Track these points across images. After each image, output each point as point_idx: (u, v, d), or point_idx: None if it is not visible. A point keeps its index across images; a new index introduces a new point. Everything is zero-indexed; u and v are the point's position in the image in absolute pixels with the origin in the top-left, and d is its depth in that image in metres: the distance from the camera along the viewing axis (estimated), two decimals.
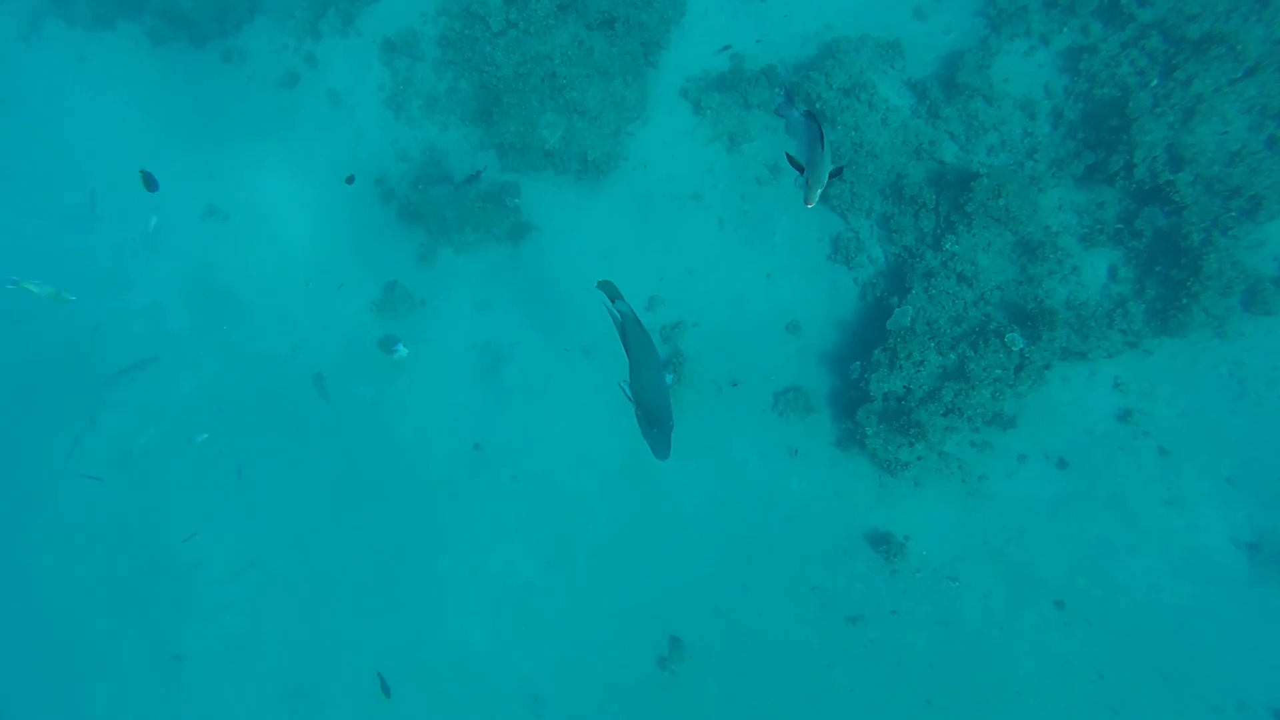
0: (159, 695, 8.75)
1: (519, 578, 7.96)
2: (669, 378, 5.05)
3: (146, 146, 9.93)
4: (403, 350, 8.44)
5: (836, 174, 4.79)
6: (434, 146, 9.33)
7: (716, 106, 8.82)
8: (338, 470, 8.76)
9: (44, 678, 9.10)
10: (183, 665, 8.78)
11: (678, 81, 8.94)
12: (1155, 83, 6.71)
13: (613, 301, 5.02)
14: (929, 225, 7.81)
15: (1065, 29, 7.35)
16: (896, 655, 7.06)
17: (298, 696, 8.40)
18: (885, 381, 7.47)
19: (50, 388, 9.87)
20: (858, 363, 7.70)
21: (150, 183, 6.91)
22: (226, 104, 10.10)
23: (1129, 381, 6.66)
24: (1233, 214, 6.61)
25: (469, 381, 8.45)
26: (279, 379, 9.16)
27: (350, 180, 8.11)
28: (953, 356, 7.43)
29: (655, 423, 4.71)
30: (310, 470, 8.79)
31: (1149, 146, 6.64)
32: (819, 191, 4.56)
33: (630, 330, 4.92)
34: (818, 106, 8.24)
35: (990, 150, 7.52)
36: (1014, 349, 7.10)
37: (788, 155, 4.89)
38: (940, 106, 7.78)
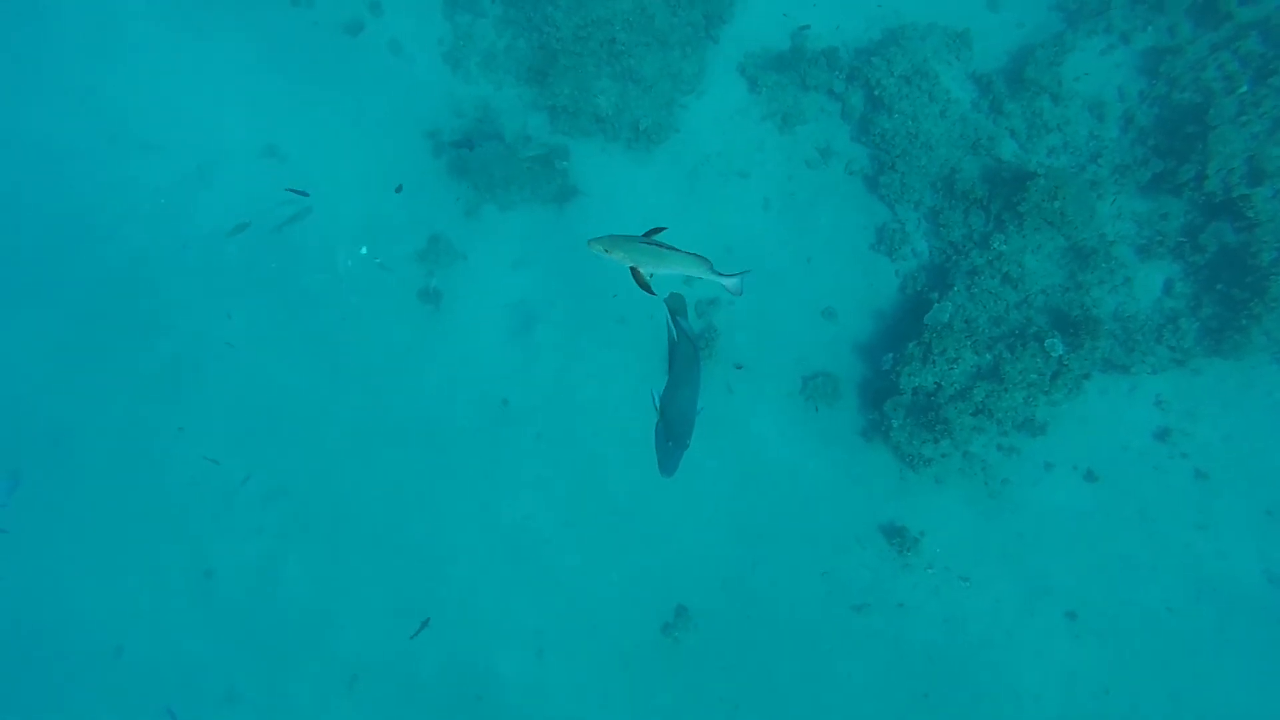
0: (191, 605, 8.76)
1: (534, 532, 7.76)
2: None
3: (214, 80, 9.67)
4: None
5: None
6: (488, 104, 8.95)
7: (773, 85, 8.31)
8: (368, 412, 8.59)
9: (90, 579, 9.17)
10: (213, 581, 8.76)
11: (736, 57, 8.44)
12: (1245, 89, 6.11)
13: (674, 316, 4.61)
14: (978, 223, 7.29)
15: (1150, 27, 6.74)
16: (898, 647, 6.77)
17: (312, 622, 8.34)
18: (916, 376, 7.05)
19: (112, 308, 9.79)
20: (890, 354, 7.28)
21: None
22: (292, 46, 9.78)
23: (1171, 400, 6.18)
24: None
25: (502, 337, 8.20)
26: (321, 318, 8.96)
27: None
28: (988, 357, 6.97)
29: (674, 440, 4.40)
30: (342, 409, 8.63)
31: (1226, 157, 6.06)
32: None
33: (682, 348, 4.58)
34: (876, 94, 7.69)
35: (1051, 151, 6.96)
36: (1053, 355, 6.62)
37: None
38: (1004, 102, 7.22)
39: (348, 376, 8.72)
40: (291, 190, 8.20)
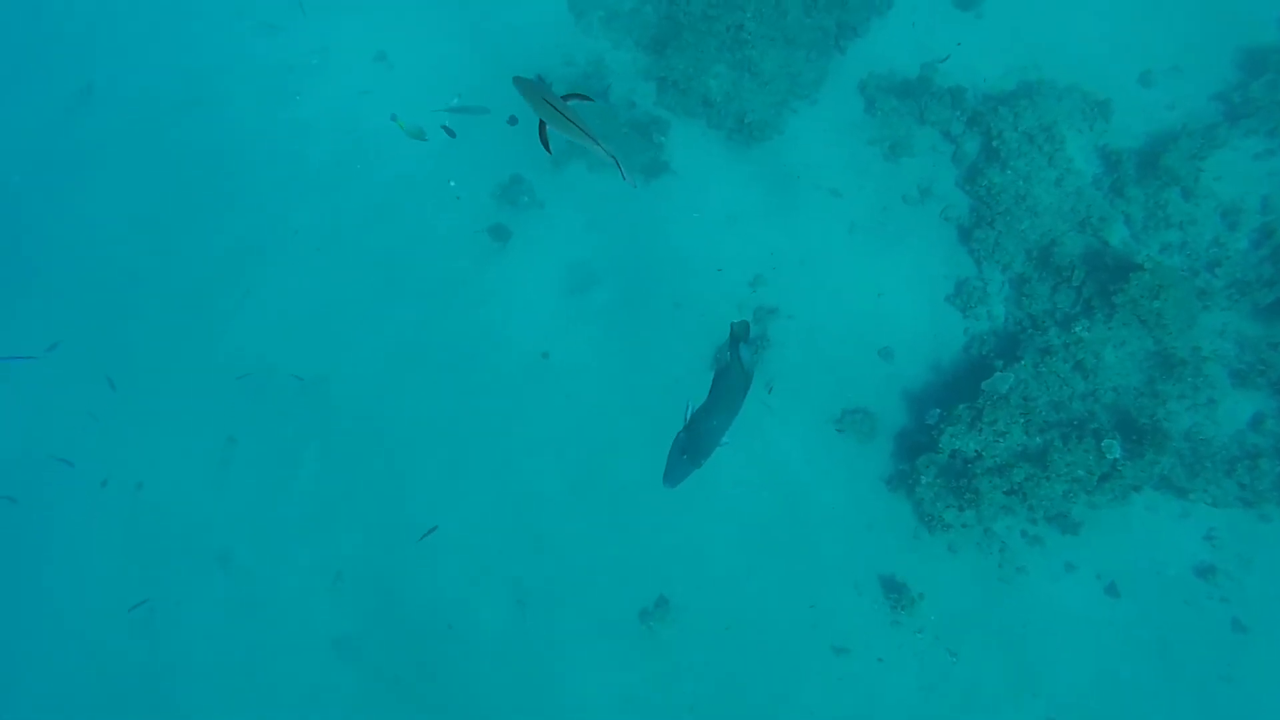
0: (209, 465, 8.85)
1: (541, 489, 7.60)
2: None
3: None
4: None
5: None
6: (601, 60, 8.60)
7: (889, 111, 7.78)
8: (414, 330, 8.47)
9: (126, 420, 9.32)
10: (234, 448, 8.82)
11: (859, 73, 7.92)
12: None
13: (735, 343, 4.39)
14: (1065, 302, 6.75)
15: None
16: (869, 698, 6.44)
17: (315, 511, 8.34)
18: (959, 439, 6.60)
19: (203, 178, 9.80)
20: (938, 410, 6.83)
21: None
22: None
23: (1226, 540, 5.64)
24: None
25: (558, 292, 7.96)
26: (387, 231, 8.82)
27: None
28: (1038, 440, 6.48)
29: (692, 457, 4.25)
30: (390, 321, 8.53)
31: None
32: None
33: (733, 376, 4.36)
34: (994, 144, 7.12)
35: (1166, 248, 6.35)
36: (1108, 456, 6.11)
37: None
38: (1128, 185, 6.60)
39: (401, 291, 8.60)
40: (445, 127, 7.80)
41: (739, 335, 4.40)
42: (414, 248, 8.58)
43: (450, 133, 7.70)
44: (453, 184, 8.71)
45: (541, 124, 3.58)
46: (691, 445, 4.26)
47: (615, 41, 8.78)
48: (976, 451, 6.63)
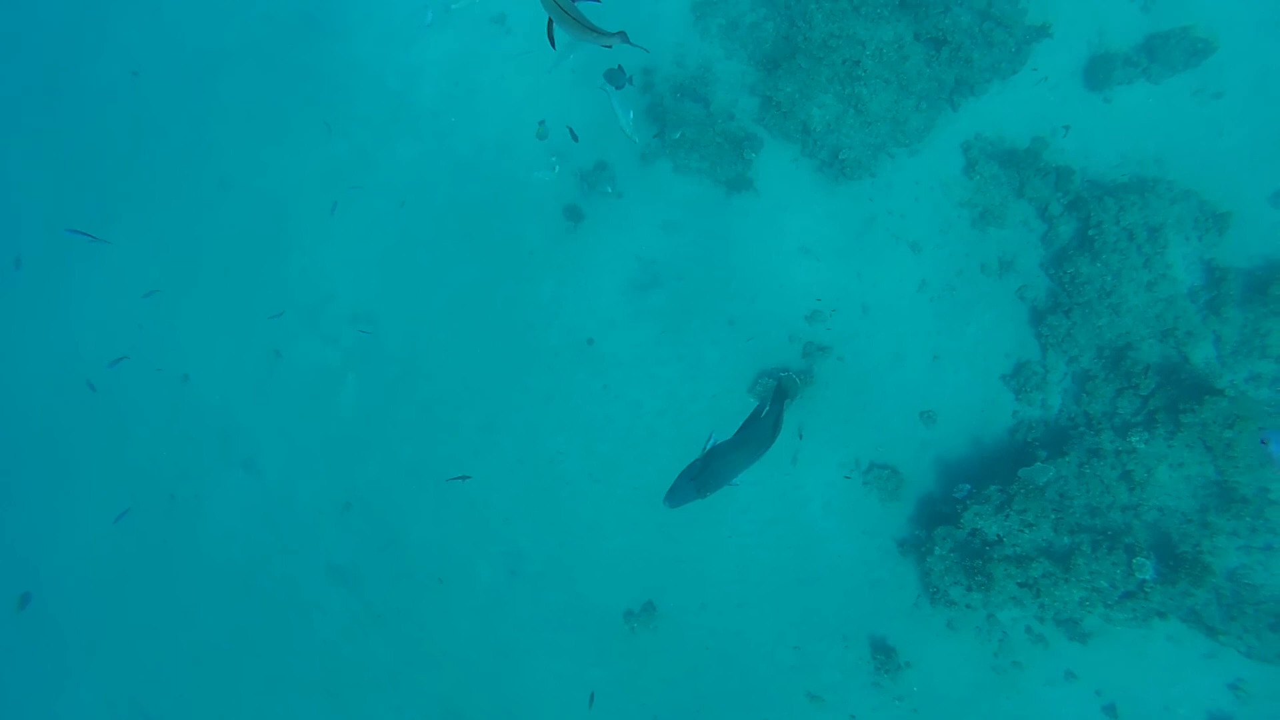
0: (256, 374, 9.06)
1: (561, 470, 7.58)
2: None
3: None
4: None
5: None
6: (710, 67, 8.41)
7: (988, 177, 7.41)
8: (472, 288, 8.49)
9: (190, 325, 9.59)
10: (279, 362, 9.00)
11: (966, 132, 7.56)
12: None
13: (780, 397, 4.41)
14: (1127, 408, 6.34)
15: None
16: None
17: (343, 441, 8.47)
18: (983, 519, 6.29)
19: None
20: (968, 485, 6.53)
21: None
22: None
23: (1255, 693, 5.23)
24: None
25: (619, 284, 7.88)
26: (470, 189, 8.84)
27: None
28: (1066, 540, 6.13)
29: (699, 486, 4.28)
30: (450, 273, 8.57)
31: None
32: None
33: (764, 426, 4.39)
34: (1090, 233, 6.71)
35: (1254, 379, 5.90)
36: (1137, 574, 5.73)
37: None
38: (1227, 304, 6.14)
39: (470, 249, 8.63)
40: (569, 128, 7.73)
41: (786, 391, 4.36)
42: (491, 210, 8.58)
43: (574, 136, 7.63)
44: (549, 151, 8.57)
45: (550, 22, 3.61)
46: (702, 476, 4.31)
47: (729, 51, 8.58)
48: (998, 536, 6.30)
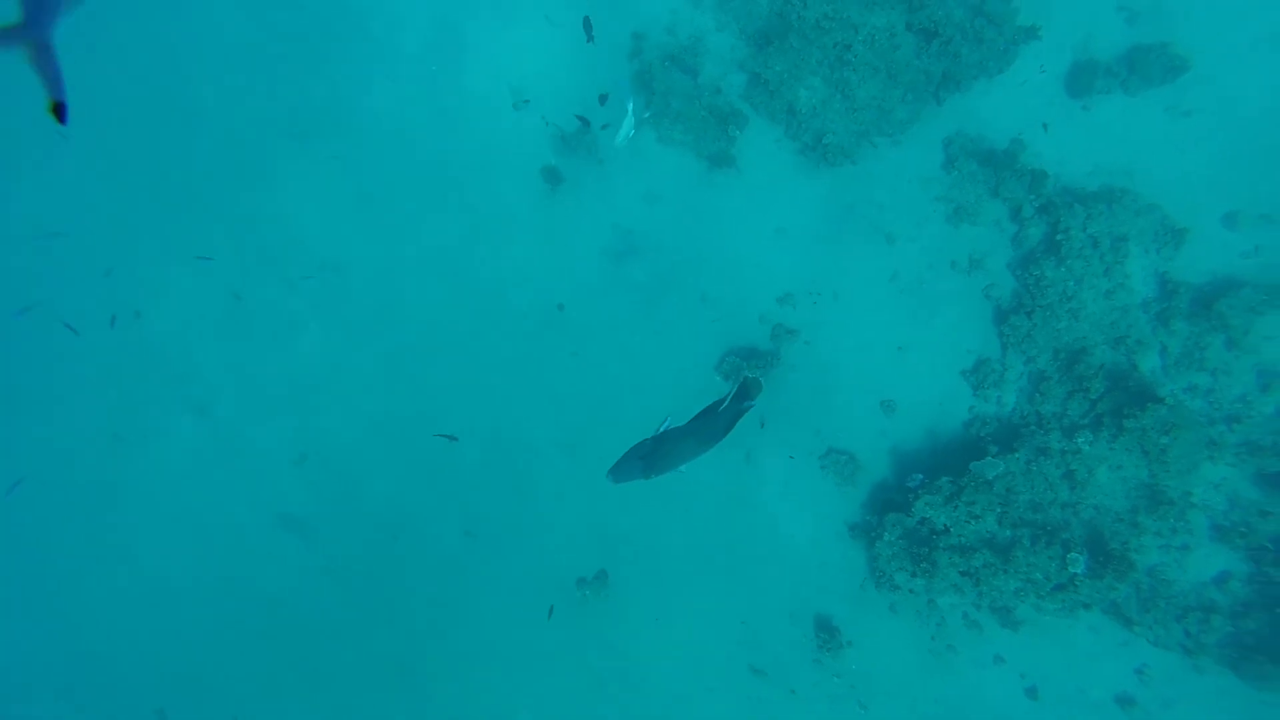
0: (218, 315, 8.51)
1: (528, 438, 7.42)
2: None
3: None
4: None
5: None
6: (700, 38, 8.10)
7: (966, 174, 7.36)
8: (446, 237, 8.11)
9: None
10: (239, 305, 8.48)
11: (949, 128, 7.48)
12: None
13: (740, 396, 4.38)
14: (1076, 411, 6.46)
15: None
16: None
17: (304, 389, 8.09)
18: (932, 510, 6.39)
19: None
20: (920, 475, 6.61)
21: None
22: None
23: (1156, 678, 5.49)
24: None
25: (595, 251, 7.65)
26: (450, 141, 8.37)
27: (588, 26, 6.91)
28: (1008, 533, 6.27)
29: (646, 466, 4.28)
30: (427, 223, 8.16)
31: None
32: None
33: (720, 422, 4.35)
34: (1057, 238, 6.74)
35: (1191, 389, 6.06)
36: (1070, 569, 5.91)
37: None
38: (1175, 317, 6.27)
39: (444, 203, 8.23)
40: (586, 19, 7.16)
41: (747, 390, 4.27)
42: (470, 165, 8.18)
43: (589, 30, 6.93)
44: (541, 115, 8.14)
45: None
46: (650, 457, 4.25)
47: (721, 24, 8.26)
48: (945, 526, 6.41)
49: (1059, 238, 6.86)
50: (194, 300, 8.68)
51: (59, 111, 2.51)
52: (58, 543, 8.60)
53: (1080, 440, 6.27)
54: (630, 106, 7.43)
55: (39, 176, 9.11)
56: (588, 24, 6.73)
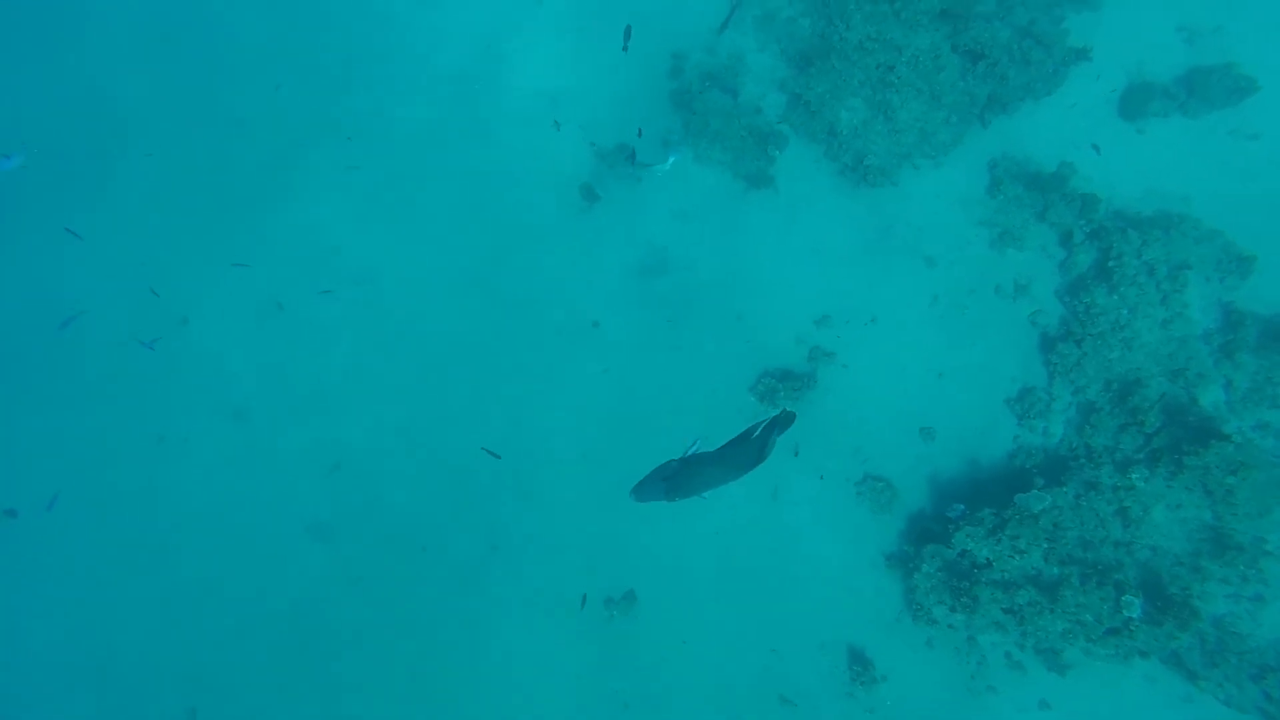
0: (257, 319, 8.66)
1: (552, 448, 7.25)
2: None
3: None
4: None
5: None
6: (741, 58, 8.04)
7: (1011, 198, 7.11)
8: (483, 259, 8.10)
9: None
10: (280, 315, 8.61)
11: (994, 150, 7.26)
12: None
13: (771, 430, 4.18)
14: (1129, 445, 6.09)
15: None
16: None
17: (334, 390, 8.12)
18: (974, 542, 6.05)
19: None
20: (961, 506, 6.27)
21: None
22: None
23: None
24: None
25: (627, 267, 7.55)
26: (486, 157, 8.41)
27: (628, 34, 6.85)
28: (1055, 570, 5.90)
29: (668, 489, 4.13)
30: (463, 245, 8.16)
31: None
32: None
33: (749, 451, 4.15)
34: (1109, 264, 6.42)
35: (1262, 427, 5.66)
36: (1124, 612, 5.50)
37: None
38: (1241, 350, 5.89)
39: (480, 217, 8.21)
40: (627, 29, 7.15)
41: (781, 422, 4.09)
42: (507, 181, 8.20)
43: (627, 39, 6.88)
44: (560, 127, 8.21)
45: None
46: (675, 479, 4.10)
47: (762, 44, 8.20)
48: (988, 559, 6.06)
49: (1111, 264, 6.52)
50: (233, 307, 8.85)
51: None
52: (97, 544, 8.75)
53: (1135, 476, 5.88)
54: (672, 159, 7.48)
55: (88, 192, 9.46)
56: (628, 33, 6.71)
